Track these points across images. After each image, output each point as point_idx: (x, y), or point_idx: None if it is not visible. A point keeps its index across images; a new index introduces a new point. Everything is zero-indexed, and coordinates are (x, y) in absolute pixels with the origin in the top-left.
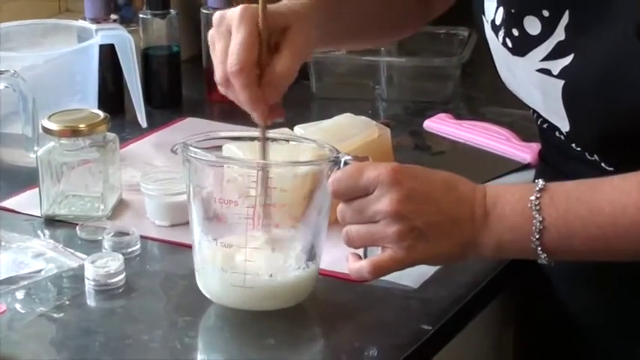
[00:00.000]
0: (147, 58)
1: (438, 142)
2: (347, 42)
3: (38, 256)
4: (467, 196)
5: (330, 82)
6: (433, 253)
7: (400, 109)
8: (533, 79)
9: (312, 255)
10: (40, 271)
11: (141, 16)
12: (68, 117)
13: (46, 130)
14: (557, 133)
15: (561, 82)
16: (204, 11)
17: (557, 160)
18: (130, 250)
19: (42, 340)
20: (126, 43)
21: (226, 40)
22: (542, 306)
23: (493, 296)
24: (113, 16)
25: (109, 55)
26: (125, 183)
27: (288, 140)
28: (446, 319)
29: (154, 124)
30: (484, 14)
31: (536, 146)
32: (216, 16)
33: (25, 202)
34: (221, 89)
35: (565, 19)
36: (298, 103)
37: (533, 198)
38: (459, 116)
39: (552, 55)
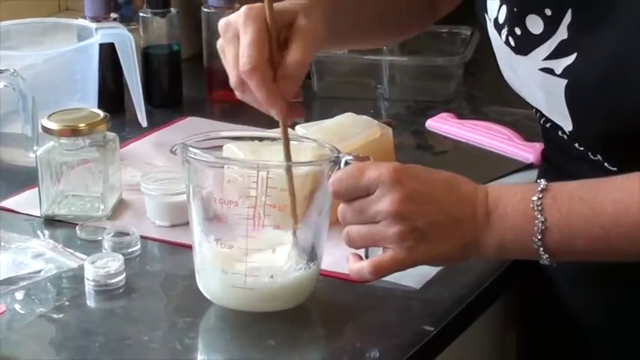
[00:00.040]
0: (147, 57)
1: (440, 141)
2: (352, 41)
3: (38, 256)
4: (469, 196)
5: (331, 81)
6: (434, 254)
7: (402, 109)
8: (536, 78)
9: (312, 256)
10: (39, 271)
11: (141, 14)
12: (68, 116)
13: (46, 130)
14: (560, 133)
15: (564, 82)
16: (204, 10)
17: (560, 160)
18: (130, 250)
19: (41, 341)
20: (126, 41)
21: (235, 46)
22: (544, 306)
23: (496, 297)
24: (113, 15)
25: (109, 54)
26: (125, 183)
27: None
28: (448, 320)
29: (155, 124)
30: (487, 13)
31: (539, 146)
32: (221, 23)
33: (24, 202)
34: (238, 94)
35: (568, 18)
36: (300, 102)
37: (535, 198)
38: (461, 116)
39: (555, 54)
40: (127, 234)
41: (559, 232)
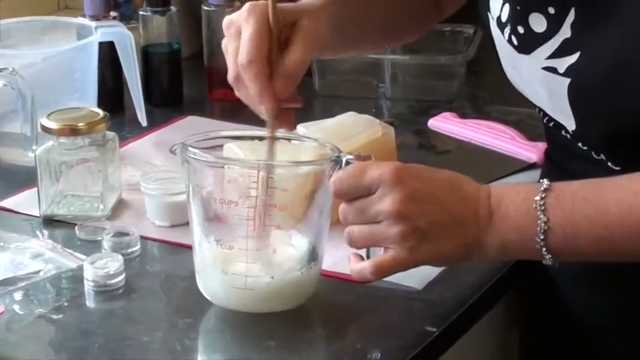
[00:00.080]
0: (147, 55)
1: (443, 141)
2: (356, 45)
3: (37, 256)
4: (471, 196)
5: (333, 80)
6: (436, 254)
7: (404, 108)
8: (539, 77)
9: (313, 256)
10: (38, 271)
11: (141, 13)
12: (67, 115)
13: (45, 129)
14: (563, 132)
15: (567, 81)
16: (204, 8)
17: (564, 160)
18: (129, 250)
19: (41, 342)
20: (126, 40)
21: (237, 42)
22: (547, 307)
23: (498, 297)
24: (113, 14)
25: (108, 52)
26: (125, 182)
27: (289, 139)
28: (450, 321)
29: (154, 123)
30: (490, 11)
31: (542, 145)
32: (225, 21)
33: (23, 201)
34: (235, 91)
35: (571, 17)
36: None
37: (537, 198)
38: (463, 115)
39: (558, 53)
40: (127, 234)
41: (562, 232)
